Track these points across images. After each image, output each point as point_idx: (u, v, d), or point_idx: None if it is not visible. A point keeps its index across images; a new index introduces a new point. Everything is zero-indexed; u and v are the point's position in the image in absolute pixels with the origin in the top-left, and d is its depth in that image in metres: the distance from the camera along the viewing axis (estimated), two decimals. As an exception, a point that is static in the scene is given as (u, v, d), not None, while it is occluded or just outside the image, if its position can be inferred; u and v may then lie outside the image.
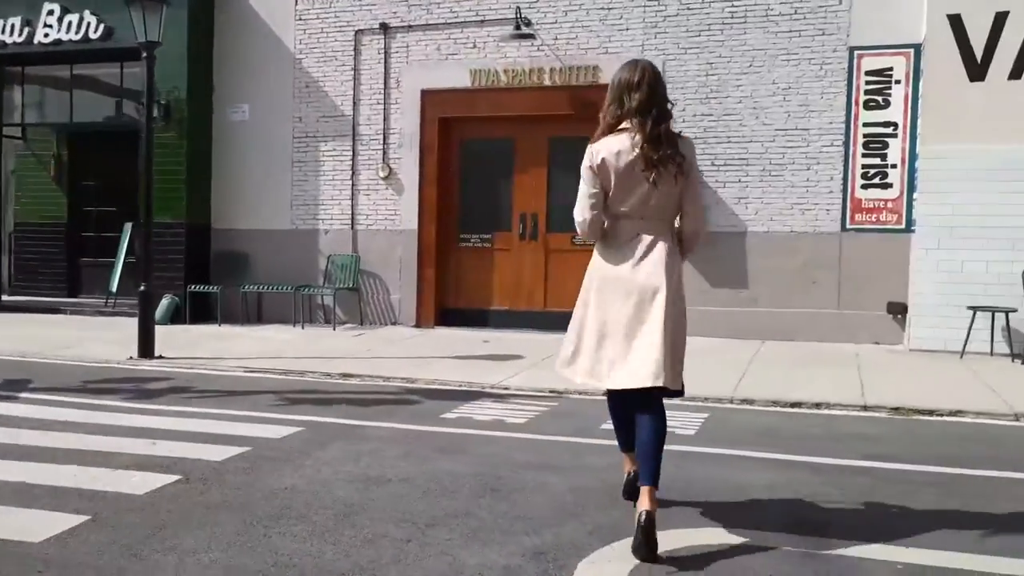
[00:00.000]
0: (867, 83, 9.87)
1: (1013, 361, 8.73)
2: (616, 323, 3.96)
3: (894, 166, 9.83)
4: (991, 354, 8.92)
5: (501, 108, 11.00)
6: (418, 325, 11.33)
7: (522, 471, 4.96)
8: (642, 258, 3.97)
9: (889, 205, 9.86)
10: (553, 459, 5.25)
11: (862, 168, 9.92)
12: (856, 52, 9.89)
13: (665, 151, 3.93)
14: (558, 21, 10.82)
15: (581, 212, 4.07)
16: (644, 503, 3.73)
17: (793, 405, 6.91)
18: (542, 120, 11.00)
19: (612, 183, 3.98)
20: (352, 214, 11.63)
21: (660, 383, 3.84)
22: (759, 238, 10.23)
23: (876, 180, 9.89)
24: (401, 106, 11.40)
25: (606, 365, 3.98)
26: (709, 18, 10.35)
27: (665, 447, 3.93)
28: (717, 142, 10.32)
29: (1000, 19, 9.04)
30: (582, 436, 5.83)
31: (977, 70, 9.13)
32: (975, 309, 8.92)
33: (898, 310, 9.79)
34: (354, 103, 11.58)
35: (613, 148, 3.98)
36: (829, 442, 5.76)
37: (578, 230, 4.13)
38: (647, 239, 3.99)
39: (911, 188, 9.75)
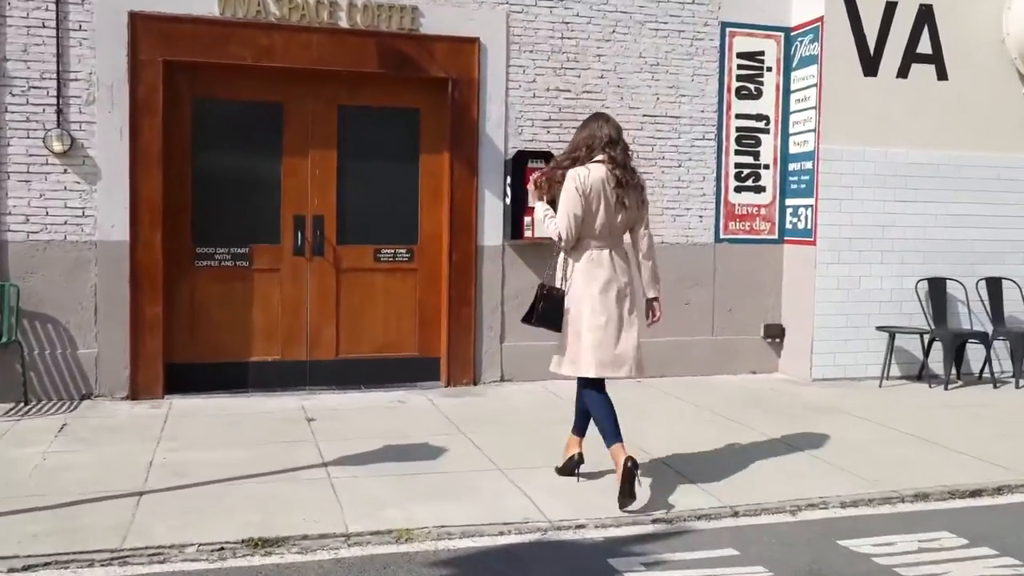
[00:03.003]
0: (739, 67, 8.34)
1: (932, 387, 7.94)
2: (614, 324, 4.73)
3: (767, 167, 8.47)
4: (886, 378, 8.05)
5: (268, 55, 7.17)
6: (135, 396, 6.96)
7: None
8: (616, 269, 4.79)
9: (762, 212, 8.48)
10: None
11: (735, 167, 8.39)
12: (728, 29, 8.29)
13: (633, 177, 4.80)
14: (352, -64, 7.38)
15: (567, 229, 4.70)
16: (624, 452, 4.56)
17: (973, 494, 5.08)
18: (330, 79, 7.44)
19: (592, 205, 4.68)
20: (-3, 214, 6.74)
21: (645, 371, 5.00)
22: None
23: (749, 182, 8.43)
24: (92, 35, 6.84)
25: (613, 358, 4.72)
26: (559, -37, 7.88)
27: None
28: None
29: (890, 9, 8.16)
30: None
31: (870, 63, 8.16)
32: (892, 331, 7.98)
33: (775, 333, 8.48)
34: (-7, 21, 6.69)
35: (596, 174, 4.70)
36: None
37: (558, 240, 4.78)
38: (617, 253, 4.84)
39: (783, 193, 8.49)
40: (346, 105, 7.54)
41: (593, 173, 4.69)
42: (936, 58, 8.27)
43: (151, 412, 6.62)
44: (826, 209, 8.06)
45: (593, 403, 4.82)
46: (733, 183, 8.36)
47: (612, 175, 4.69)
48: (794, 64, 8.36)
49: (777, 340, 8.49)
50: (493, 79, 7.66)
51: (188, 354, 7.27)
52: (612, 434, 4.67)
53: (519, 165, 7.61)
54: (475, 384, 7.72)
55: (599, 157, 4.74)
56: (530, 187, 5.18)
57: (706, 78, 8.24)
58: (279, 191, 7.44)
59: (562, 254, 4.83)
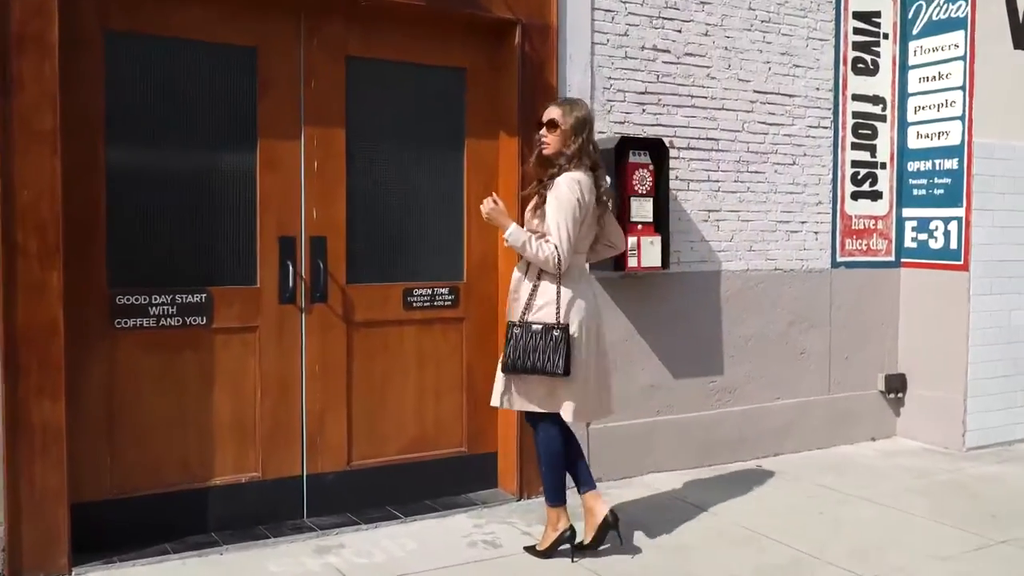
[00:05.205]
0: (854, 31, 6.23)
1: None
2: (600, 356, 4.09)
3: (883, 165, 6.40)
4: (1048, 441, 6.25)
5: (236, -35, 4.20)
6: (18, 571, 3.75)
7: None
8: (594, 292, 4.16)
9: (879, 226, 6.40)
10: None
11: (851, 167, 6.26)
12: (843, -21, 6.16)
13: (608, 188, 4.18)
14: None
15: (569, 251, 3.90)
16: (606, 504, 4.06)
17: None
18: (335, 13, 4.55)
19: (584, 221, 3.98)
20: None
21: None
22: (736, 282, 5.74)
23: (866, 186, 6.33)
24: (-87, -102, 3.60)
25: (607, 397, 4.19)
26: None
27: None
28: (677, 104, 5.46)
29: (1035, -37, 6.36)
30: None
31: (1020, 32, 6.31)
32: (1067, 382, 6.15)
33: (897, 386, 6.43)
34: None
35: (589, 183, 4.00)
36: None
37: (554, 263, 3.87)
38: (590, 272, 4.45)
39: (900, 200, 6.46)
40: (359, 58, 4.66)
41: (589, 182, 4.00)
42: (1077, 31, 6.58)
43: (63, 613, 3.49)
44: (979, 223, 6.11)
45: (558, 443, 4.06)
46: (849, 187, 6.24)
47: (599, 193, 4.07)
48: (914, 31, 6.36)
49: (899, 395, 6.45)
50: (574, 29, 5.06)
51: (107, 485, 4.12)
52: (586, 480, 4.15)
53: (619, 159, 5.06)
54: (555, 491, 5.07)
55: (586, 162, 4.03)
56: (489, 207, 4.04)
57: (821, 44, 6.05)
58: (254, 197, 4.43)
59: (543, 279, 3.94)
